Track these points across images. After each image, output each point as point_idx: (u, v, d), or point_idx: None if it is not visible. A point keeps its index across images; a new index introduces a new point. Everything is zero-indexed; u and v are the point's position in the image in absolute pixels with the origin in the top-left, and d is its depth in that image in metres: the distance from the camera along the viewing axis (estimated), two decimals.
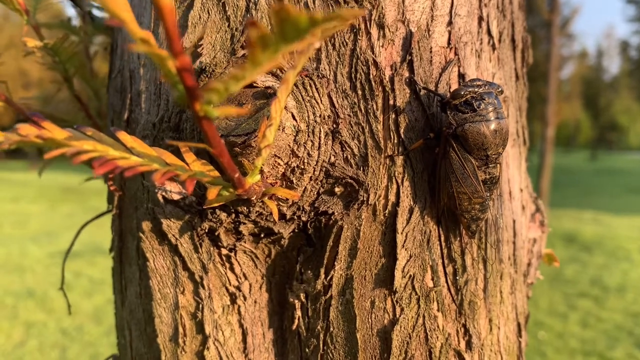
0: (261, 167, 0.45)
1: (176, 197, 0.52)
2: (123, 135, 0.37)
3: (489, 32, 0.54)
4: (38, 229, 7.37)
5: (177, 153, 0.51)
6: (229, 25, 0.49)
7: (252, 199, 0.44)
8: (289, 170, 0.48)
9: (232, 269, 0.53)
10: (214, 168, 0.41)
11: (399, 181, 0.49)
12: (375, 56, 0.48)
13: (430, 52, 0.49)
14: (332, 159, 0.49)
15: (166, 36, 0.25)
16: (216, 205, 0.46)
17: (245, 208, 0.50)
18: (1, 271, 5.16)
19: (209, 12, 0.49)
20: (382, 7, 0.47)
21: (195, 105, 0.29)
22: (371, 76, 0.48)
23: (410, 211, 0.50)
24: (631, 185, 15.16)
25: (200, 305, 0.53)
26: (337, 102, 0.48)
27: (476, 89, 0.46)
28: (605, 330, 3.92)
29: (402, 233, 0.49)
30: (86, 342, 3.54)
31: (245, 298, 0.54)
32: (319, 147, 0.48)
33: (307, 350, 0.53)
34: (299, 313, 0.53)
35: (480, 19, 0.53)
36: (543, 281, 5.06)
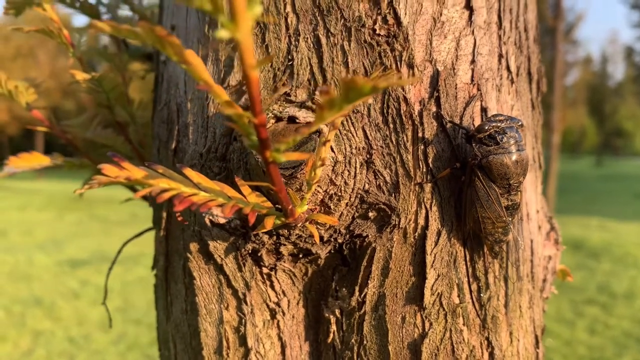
0: None
1: (222, 220, 0.57)
2: (189, 172, 0.42)
3: (507, 68, 0.59)
4: (45, 237, 7.45)
5: (224, 180, 0.56)
6: (271, 66, 0.54)
7: (298, 224, 0.49)
8: (327, 197, 0.53)
9: (272, 287, 0.58)
10: (266, 198, 0.46)
11: (428, 206, 0.54)
12: (405, 93, 0.53)
13: (455, 88, 0.54)
14: (367, 186, 0.53)
15: (250, 100, 0.30)
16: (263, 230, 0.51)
17: (286, 231, 0.55)
18: (9, 279, 5.21)
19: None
20: (412, 49, 0.52)
21: (265, 153, 0.34)
22: (402, 111, 0.53)
23: (438, 234, 0.54)
24: (637, 191, 15.13)
25: (243, 320, 0.58)
26: (371, 134, 0.53)
27: (499, 124, 0.50)
28: (613, 337, 3.93)
29: (430, 254, 0.54)
30: (93, 351, 3.58)
31: (284, 313, 0.59)
32: (355, 176, 0.53)
33: None
34: (334, 327, 0.58)
35: (500, 56, 0.58)
36: None
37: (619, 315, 4.38)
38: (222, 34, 0.26)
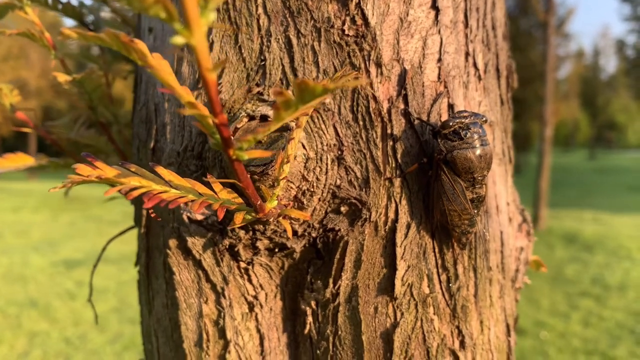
0: None
1: (199, 217, 0.58)
2: (161, 170, 0.44)
3: (475, 65, 0.61)
4: (40, 239, 7.44)
5: (201, 177, 0.57)
6: (245, 66, 0.55)
7: (270, 220, 0.51)
8: (300, 192, 0.55)
9: (249, 280, 0.60)
10: (237, 194, 0.48)
11: (397, 200, 0.56)
12: (374, 91, 0.54)
13: (423, 86, 0.56)
14: (338, 182, 0.55)
15: (209, 101, 0.32)
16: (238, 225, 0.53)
17: (261, 226, 0.56)
18: (4, 281, 5.21)
19: (226, 54, 0.56)
20: (380, 48, 0.54)
21: (229, 151, 0.36)
22: (371, 109, 0.54)
23: (408, 226, 0.56)
24: (631, 183, 15.23)
25: (222, 313, 0.60)
26: (341, 132, 0.55)
27: (463, 120, 0.52)
28: (607, 329, 3.98)
29: (400, 246, 0.56)
30: (90, 351, 3.60)
31: (261, 306, 0.60)
32: (326, 172, 0.55)
33: (318, 352, 0.60)
34: (310, 319, 0.60)
35: (467, 54, 0.60)
36: (544, 281, 5.13)
37: (613, 307, 4.43)
38: (177, 40, 0.28)
